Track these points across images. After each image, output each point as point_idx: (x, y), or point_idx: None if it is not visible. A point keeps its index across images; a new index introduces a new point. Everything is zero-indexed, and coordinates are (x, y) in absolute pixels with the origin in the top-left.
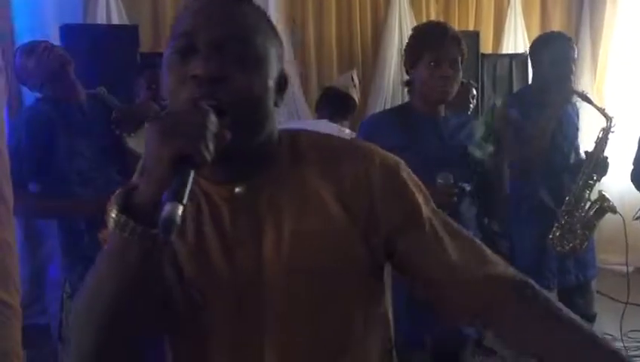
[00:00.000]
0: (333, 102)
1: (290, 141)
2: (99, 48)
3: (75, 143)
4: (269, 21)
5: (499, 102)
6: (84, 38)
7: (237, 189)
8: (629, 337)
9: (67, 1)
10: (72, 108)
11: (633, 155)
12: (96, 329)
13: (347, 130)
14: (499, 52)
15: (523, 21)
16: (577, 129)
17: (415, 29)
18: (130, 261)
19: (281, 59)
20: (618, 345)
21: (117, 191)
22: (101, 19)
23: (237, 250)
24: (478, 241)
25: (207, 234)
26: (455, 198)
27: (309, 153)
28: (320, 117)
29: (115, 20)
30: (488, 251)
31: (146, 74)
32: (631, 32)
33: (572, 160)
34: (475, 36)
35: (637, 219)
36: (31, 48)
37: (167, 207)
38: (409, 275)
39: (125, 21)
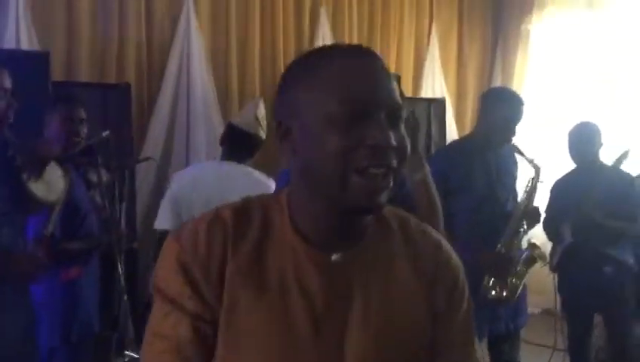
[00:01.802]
0: (237, 142)
1: None
2: None
3: None
4: None
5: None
6: None
7: (334, 257)
8: None
9: None
10: None
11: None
12: None
13: (257, 175)
14: (418, 96)
15: (440, 68)
16: (515, 178)
17: None
18: None
19: None
20: None
21: None
22: (9, 42)
23: (324, 318)
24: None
25: (293, 297)
26: None
27: (393, 224)
28: (225, 153)
29: (25, 45)
30: None
31: (59, 107)
32: (540, 83)
33: (509, 208)
34: (396, 79)
35: (547, 265)
36: None
37: None
38: None
39: (36, 46)
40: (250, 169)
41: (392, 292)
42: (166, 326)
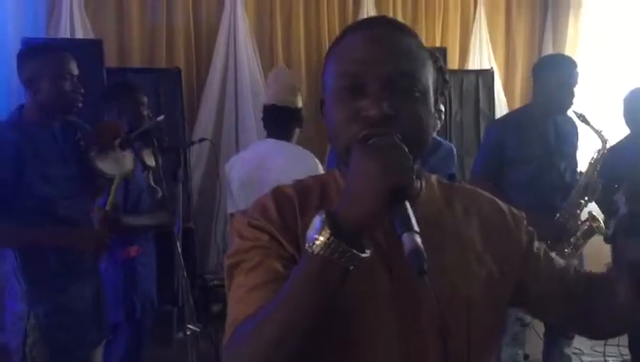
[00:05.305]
0: (279, 120)
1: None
2: None
3: (46, 170)
4: (424, 48)
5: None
6: None
7: None
8: (595, 351)
9: (29, 14)
10: (42, 133)
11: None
12: (289, 344)
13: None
14: (465, 68)
15: (488, 37)
16: (576, 148)
17: None
18: (331, 282)
19: (434, 83)
20: (587, 360)
21: (321, 217)
22: (64, 32)
23: (396, 264)
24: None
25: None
26: None
27: (451, 192)
28: (270, 134)
29: (79, 34)
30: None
31: (120, 103)
32: (593, 50)
33: (568, 178)
34: (441, 52)
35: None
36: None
37: (408, 239)
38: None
39: (90, 35)
40: (296, 148)
41: (460, 253)
42: (255, 277)
